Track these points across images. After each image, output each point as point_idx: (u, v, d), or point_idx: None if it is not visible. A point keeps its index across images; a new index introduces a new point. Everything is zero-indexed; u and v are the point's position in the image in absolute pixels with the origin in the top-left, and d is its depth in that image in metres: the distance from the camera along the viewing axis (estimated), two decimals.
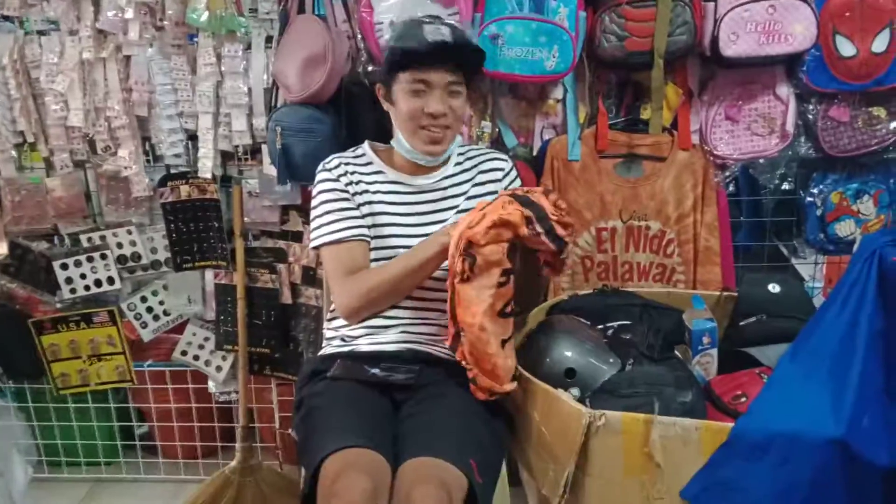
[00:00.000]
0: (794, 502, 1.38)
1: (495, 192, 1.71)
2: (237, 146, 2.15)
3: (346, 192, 1.68)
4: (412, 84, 1.60)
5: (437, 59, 1.59)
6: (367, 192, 1.70)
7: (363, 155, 1.76)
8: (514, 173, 1.80)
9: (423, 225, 1.71)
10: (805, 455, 1.36)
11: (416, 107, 1.61)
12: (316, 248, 1.70)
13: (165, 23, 2.06)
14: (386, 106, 1.71)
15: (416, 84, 1.60)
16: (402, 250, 1.68)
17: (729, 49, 1.91)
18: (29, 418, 2.48)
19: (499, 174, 1.77)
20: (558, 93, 2.08)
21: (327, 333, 1.78)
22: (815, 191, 2.15)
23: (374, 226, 1.69)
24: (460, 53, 1.62)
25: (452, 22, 1.75)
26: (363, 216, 1.69)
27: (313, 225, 1.70)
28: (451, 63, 1.61)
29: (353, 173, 1.71)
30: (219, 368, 2.37)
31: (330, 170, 1.71)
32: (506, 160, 1.81)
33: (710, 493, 1.40)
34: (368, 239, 1.69)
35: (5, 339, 2.36)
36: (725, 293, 1.95)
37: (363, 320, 1.69)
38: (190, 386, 2.42)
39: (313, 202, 1.71)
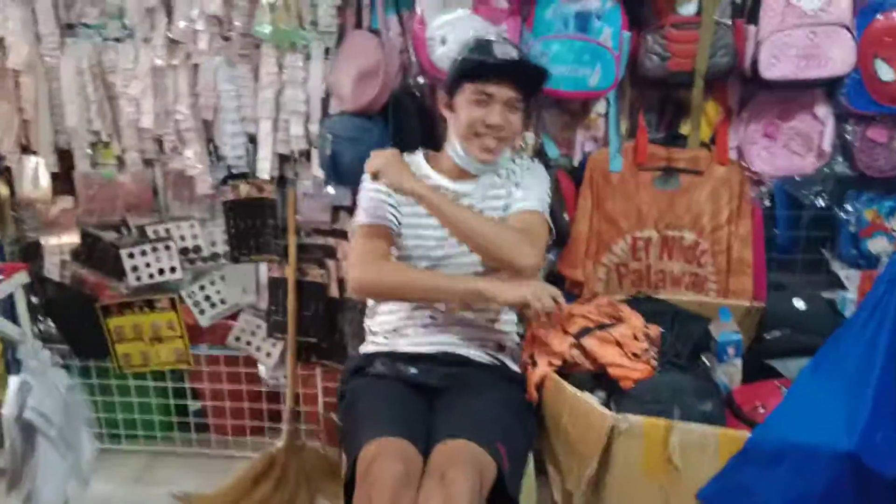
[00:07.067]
0: None
1: None
2: (293, 150, 2.25)
3: (390, 191, 1.75)
4: (476, 95, 1.69)
5: (503, 74, 1.68)
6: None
7: (414, 162, 1.84)
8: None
9: None
10: (818, 466, 1.41)
11: (476, 116, 1.70)
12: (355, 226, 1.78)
13: (232, 34, 2.16)
14: (446, 113, 1.79)
15: (480, 95, 1.69)
16: (433, 252, 1.76)
17: (769, 72, 1.94)
18: (92, 394, 2.65)
19: None
20: (601, 107, 2.13)
21: (371, 327, 1.88)
22: (850, 207, 2.18)
23: (408, 226, 1.76)
24: (525, 72, 1.71)
25: (520, 45, 1.82)
26: (402, 215, 1.77)
27: (357, 209, 1.79)
28: (515, 80, 1.69)
29: None
30: (269, 355, 2.50)
31: None
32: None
33: (725, 496, 1.47)
34: (398, 233, 1.76)
35: (74, 321, 2.52)
36: (755, 304, 2.00)
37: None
38: (242, 370, 2.56)
39: (360, 192, 1.80)
